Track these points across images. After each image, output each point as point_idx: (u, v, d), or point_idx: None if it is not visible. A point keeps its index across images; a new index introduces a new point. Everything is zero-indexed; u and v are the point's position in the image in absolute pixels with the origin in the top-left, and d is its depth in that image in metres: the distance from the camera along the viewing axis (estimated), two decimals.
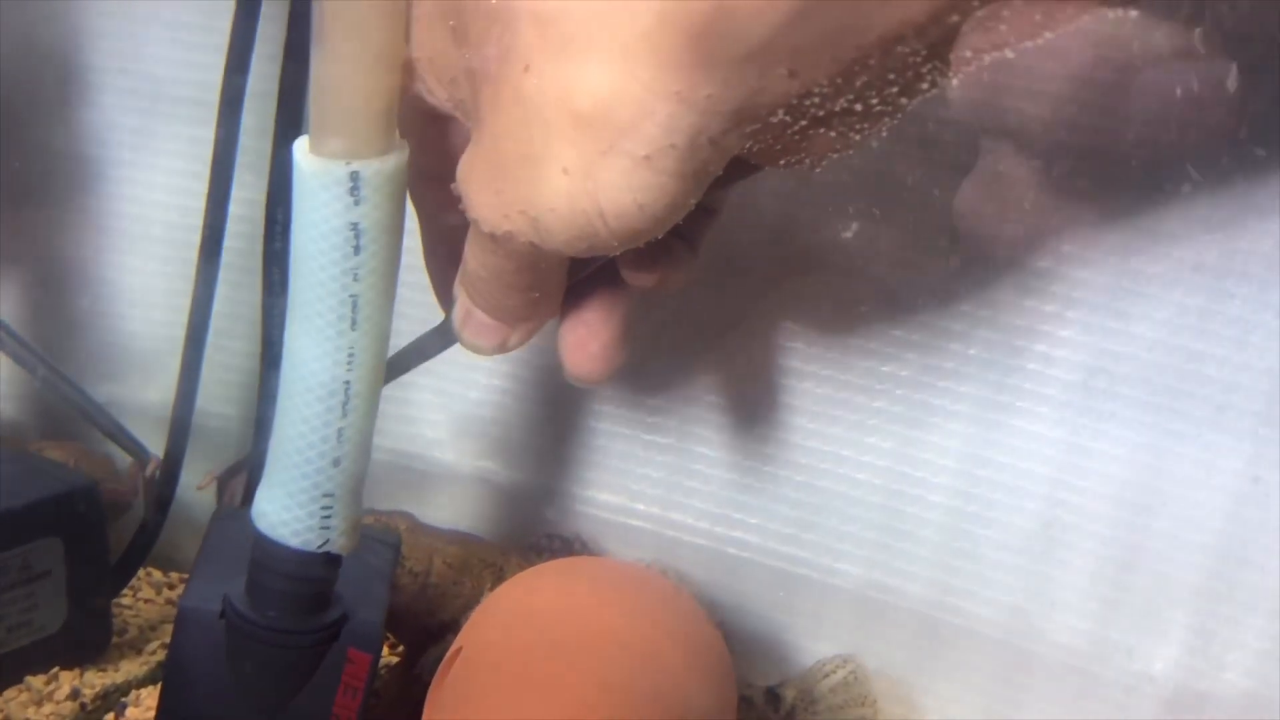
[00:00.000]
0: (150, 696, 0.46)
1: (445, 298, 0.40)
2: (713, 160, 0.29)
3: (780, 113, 0.28)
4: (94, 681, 0.47)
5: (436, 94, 0.34)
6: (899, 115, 0.29)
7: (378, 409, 0.37)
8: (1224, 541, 0.45)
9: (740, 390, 0.50)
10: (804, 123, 0.29)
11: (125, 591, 0.54)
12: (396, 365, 0.42)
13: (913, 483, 0.48)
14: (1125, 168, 0.42)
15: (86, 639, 0.48)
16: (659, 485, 0.52)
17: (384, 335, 0.36)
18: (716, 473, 0.51)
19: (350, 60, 0.32)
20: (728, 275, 0.48)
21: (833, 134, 0.30)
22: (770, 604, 0.52)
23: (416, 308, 0.43)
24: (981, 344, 0.46)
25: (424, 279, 0.41)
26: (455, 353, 0.53)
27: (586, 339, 0.38)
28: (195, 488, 0.53)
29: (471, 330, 0.37)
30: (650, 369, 0.51)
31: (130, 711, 0.46)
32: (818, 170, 0.31)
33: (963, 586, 0.49)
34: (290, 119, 0.47)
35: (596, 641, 0.38)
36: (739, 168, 0.32)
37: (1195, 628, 0.46)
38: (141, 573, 0.55)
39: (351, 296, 0.34)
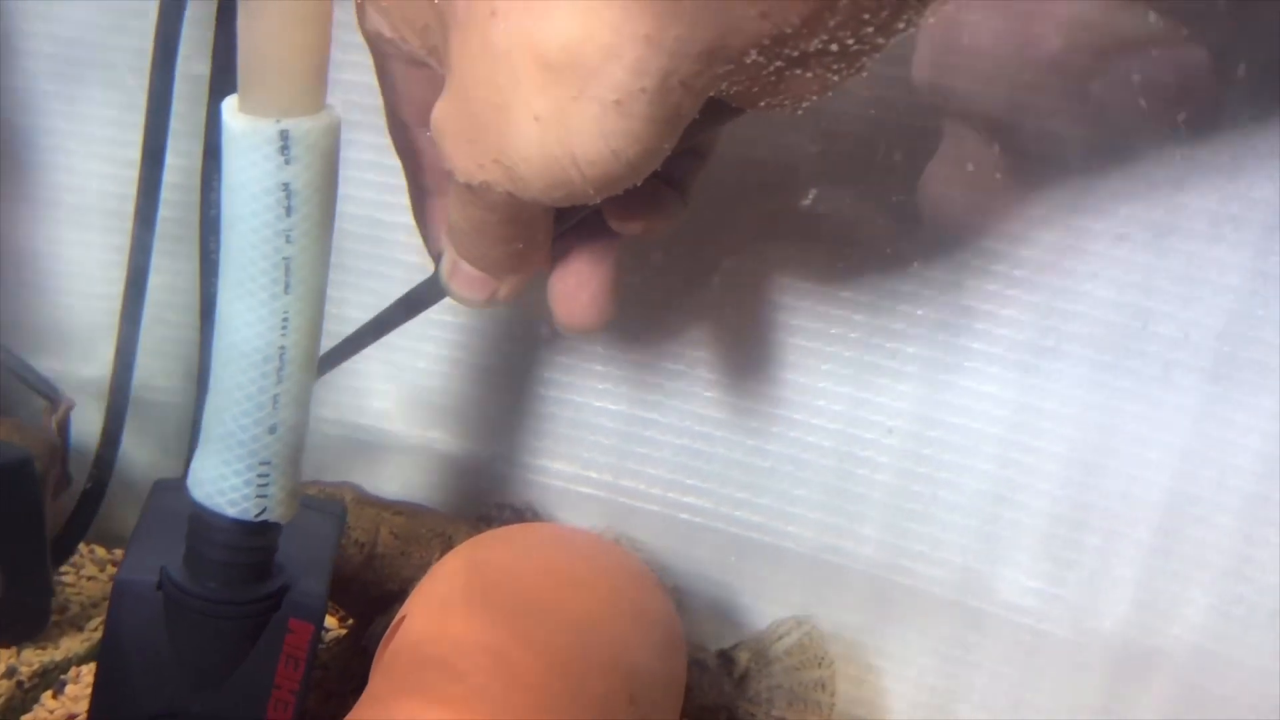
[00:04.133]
0: (91, 673, 0.46)
1: (434, 250, 0.39)
2: (685, 103, 0.28)
3: (753, 54, 0.27)
4: (31, 660, 0.46)
5: (410, 41, 0.33)
6: (877, 54, 0.29)
7: (314, 374, 0.36)
8: (1172, 499, 0.45)
9: (689, 358, 0.50)
10: (779, 64, 0.28)
11: (67, 569, 0.53)
12: (388, 320, 0.41)
13: (863, 445, 0.48)
14: (1075, 130, 0.42)
15: (24, 616, 0.47)
16: (610, 453, 0.52)
17: (319, 299, 0.35)
18: (667, 439, 0.51)
19: (278, 15, 0.31)
20: (675, 245, 0.48)
21: (809, 75, 0.29)
22: (723, 569, 0.52)
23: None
24: (930, 304, 0.46)
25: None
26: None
27: (576, 289, 0.38)
28: None
29: (459, 283, 0.37)
30: (599, 338, 0.51)
31: (70, 689, 0.45)
32: (799, 113, 0.31)
33: (914, 547, 0.49)
34: (225, 83, 0.46)
35: (543, 610, 0.37)
36: (721, 110, 0.31)
37: (1144, 585, 0.46)
38: (85, 549, 0.55)
39: (284, 259, 0.33)
